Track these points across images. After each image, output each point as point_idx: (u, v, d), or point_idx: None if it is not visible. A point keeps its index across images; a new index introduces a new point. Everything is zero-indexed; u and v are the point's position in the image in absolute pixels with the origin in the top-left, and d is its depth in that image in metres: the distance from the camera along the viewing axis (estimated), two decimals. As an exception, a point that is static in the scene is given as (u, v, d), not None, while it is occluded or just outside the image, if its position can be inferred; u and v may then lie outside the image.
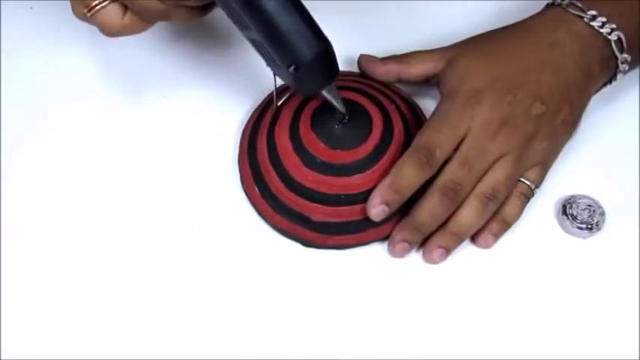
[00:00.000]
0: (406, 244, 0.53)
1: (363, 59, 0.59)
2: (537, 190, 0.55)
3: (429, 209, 0.52)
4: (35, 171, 0.57)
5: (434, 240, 0.53)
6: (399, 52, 0.59)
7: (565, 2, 0.56)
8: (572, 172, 0.57)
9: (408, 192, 0.52)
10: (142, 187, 0.56)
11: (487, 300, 0.52)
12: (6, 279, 0.53)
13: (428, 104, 0.59)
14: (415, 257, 0.54)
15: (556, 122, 0.54)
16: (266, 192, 0.54)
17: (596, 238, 0.54)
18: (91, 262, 0.53)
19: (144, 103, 0.60)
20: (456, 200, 0.52)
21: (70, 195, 0.56)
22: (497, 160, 0.53)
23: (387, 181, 0.52)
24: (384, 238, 0.54)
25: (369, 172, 0.53)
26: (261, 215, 0.55)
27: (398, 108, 0.56)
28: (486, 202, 0.52)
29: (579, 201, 0.55)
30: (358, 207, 0.53)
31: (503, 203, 0.54)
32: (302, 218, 0.53)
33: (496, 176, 0.52)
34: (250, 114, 0.59)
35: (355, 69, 0.60)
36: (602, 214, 0.54)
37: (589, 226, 0.54)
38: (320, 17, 0.61)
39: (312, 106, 0.55)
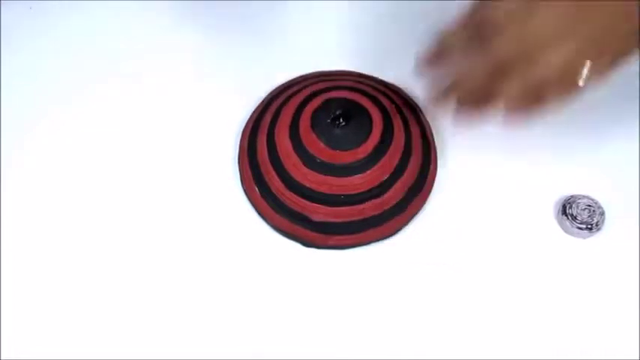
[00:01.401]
0: (465, 107, 0.51)
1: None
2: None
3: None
4: (35, 170, 0.57)
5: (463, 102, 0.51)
6: (398, 51, 0.59)
7: None
8: (572, 172, 0.57)
9: (448, 46, 0.50)
10: (142, 187, 0.56)
11: (487, 300, 0.52)
12: (6, 279, 0.53)
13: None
14: (415, 257, 0.54)
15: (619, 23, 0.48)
16: (266, 192, 0.54)
17: (596, 238, 0.54)
18: (91, 262, 0.53)
19: (144, 102, 0.60)
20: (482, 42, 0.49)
21: (70, 194, 0.56)
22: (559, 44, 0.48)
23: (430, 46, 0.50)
24: (384, 237, 0.54)
25: (369, 172, 0.53)
26: (262, 215, 0.55)
27: (398, 108, 0.56)
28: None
29: (579, 201, 0.55)
30: (358, 207, 0.53)
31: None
32: (302, 218, 0.53)
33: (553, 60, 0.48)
34: (250, 114, 0.59)
35: (354, 69, 0.60)
36: (602, 214, 0.54)
37: (589, 226, 0.54)
38: (321, 18, 0.61)
39: (312, 106, 0.55)
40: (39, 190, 0.56)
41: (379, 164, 0.53)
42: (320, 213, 0.53)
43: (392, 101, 0.56)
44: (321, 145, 0.53)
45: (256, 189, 0.55)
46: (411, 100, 0.59)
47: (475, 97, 0.51)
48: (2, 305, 0.52)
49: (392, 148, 0.54)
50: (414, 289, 0.53)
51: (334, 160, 0.53)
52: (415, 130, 0.56)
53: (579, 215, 0.54)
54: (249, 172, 0.55)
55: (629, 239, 0.54)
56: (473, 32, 0.49)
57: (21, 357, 0.50)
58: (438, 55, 0.51)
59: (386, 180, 0.53)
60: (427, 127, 0.57)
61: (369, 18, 0.64)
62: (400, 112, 0.56)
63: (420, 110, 0.59)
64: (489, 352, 0.51)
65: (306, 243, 0.54)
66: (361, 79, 0.59)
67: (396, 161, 0.54)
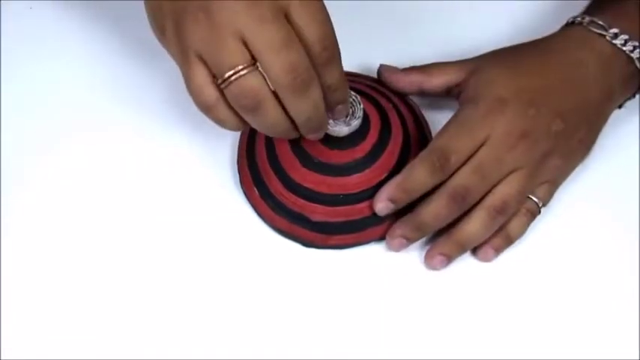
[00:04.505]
0: (404, 240, 0.53)
1: (384, 70, 0.58)
2: (544, 209, 0.54)
3: (435, 211, 0.52)
4: (35, 171, 0.57)
5: (436, 246, 0.53)
6: (399, 51, 0.59)
7: (586, 20, 0.55)
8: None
9: (416, 194, 0.52)
10: (141, 189, 0.56)
11: (486, 300, 0.52)
12: (6, 279, 0.53)
13: (426, 103, 0.59)
14: (415, 257, 0.54)
15: (572, 141, 0.53)
16: (265, 193, 0.54)
17: (596, 238, 0.54)
18: (91, 263, 0.53)
19: (143, 102, 0.60)
20: (463, 206, 0.52)
21: (70, 195, 0.56)
22: (510, 172, 0.52)
23: (397, 179, 0.52)
24: (384, 237, 0.54)
25: (367, 171, 0.53)
26: (261, 216, 0.55)
27: (395, 107, 0.56)
28: (495, 216, 0.52)
29: None
30: (357, 206, 0.53)
31: (508, 219, 0.53)
32: (301, 218, 0.53)
33: (508, 190, 0.52)
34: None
35: (353, 69, 0.60)
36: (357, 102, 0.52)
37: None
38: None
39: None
40: (39, 189, 0.56)
41: (377, 163, 0.53)
42: (319, 213, 0.53)
43: (389, 100, 0.56)
44: (320, 144, 0.53)
45: (255, 190, 0.55)
46: (408, 98, 0.59)
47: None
48: (2, 305, 0.52)
49: (390, 146, 0.54)
50: (414, 288, 0.53)
51: (332, 160, 0.53)
52: (413, 129, 0.56)
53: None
54: (248, 174, 0.55)
55: (629, 239, 0.54)
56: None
57: (21, 357, 0.50)
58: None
59: (385, 179, 0.53)
60: (425, 126, 0.57)
61: (368, 17, 0.64)
62: (397, 111, 0.56)
63: (419, 109, 0.58)
64: (489, 351, 0.51)
65: (306, 243, 0.54)
66: (358, 79, 0.59)
67: (394, 160, 0.54)
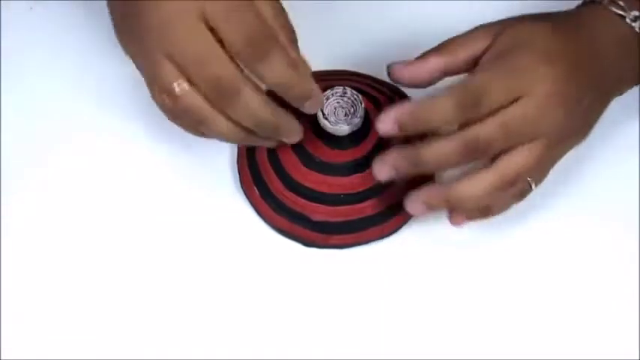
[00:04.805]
0: (394, 170, 0.48)
1: (395, 69, 0.51)
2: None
3: (441, 151, 0.47)
4: (35, 172, 0.57)
5: (423, 194, 0.49)
6: (399, 50, 0.59)
7: (605, 1, 0.51)
8: (571, 172, 0.57)
9: (430, 125, 0.46)
10: (141, 189, 0.56)
11: (486, 300, 0.52)
12: (6, 279, 0.53)
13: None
14: (415, 257, 0.54)
15: (586, 121, 0.51)
16: (266, 192, 0.54)
17: (596, 238, 0.54)
18: (91, 263, 0.53)
19: (143, 103, 0.60)
20: (473, 159, 0.47)
21: (70, 195, 0.56)
22: (534, 139, 0.47)
23: (410, 106, 0.46)
24: (385, 236, 0.54)
25: (368, 171, 0.53)
26: (261, 216, 0.55)
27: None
28: (502, 187, 0.47)
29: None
30: (358, 206, 0.53)
31: None
32: (302, 218, 0.53)
33: (525, 160, 0.47)
34: (250, 114, 0.59)
35: (352, 68, 0.60)
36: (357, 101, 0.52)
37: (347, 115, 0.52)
38: (321, 16, 0.61)
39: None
40: (39, 190, 0.56)
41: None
42: (320, 212, 0.53)
43: (390, 100, 0.56)
44: (321, 144, 0.53)
45: (255, 189, 0.55)
46: (409, 98, 0.59)
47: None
48: (2, 305, 0.52)
49: (391, 146, 0.54)
50: (415, 288, 0.53)
51: (333, 160, 0.53)
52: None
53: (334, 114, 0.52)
54: (249, 173, 0.55)
55: (629, 239, 0.54)
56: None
57: (21, 357, 0.50)
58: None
59: (386, 178, 0.53)
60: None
61: (367, 18, 0.64)
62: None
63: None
64: (489, 351, 0.51)
65: (306, 243, 0.54)
66: (359, 78, 0.59)
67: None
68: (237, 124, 0.46)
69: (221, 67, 0.44)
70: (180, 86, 0.45)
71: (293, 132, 0.50)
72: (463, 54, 0.50)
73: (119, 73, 0.61)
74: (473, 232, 0.54)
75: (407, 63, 0.51)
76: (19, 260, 0.53)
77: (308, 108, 0.49)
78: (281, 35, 0.46)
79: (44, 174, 0.57)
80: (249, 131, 0.47)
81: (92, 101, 0.60)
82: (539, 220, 0.55)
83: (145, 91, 0.58)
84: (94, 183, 0.57)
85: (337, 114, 0.52)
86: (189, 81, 0.45)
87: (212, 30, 0.44)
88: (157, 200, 0.56)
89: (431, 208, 0.49)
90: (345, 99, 0.52)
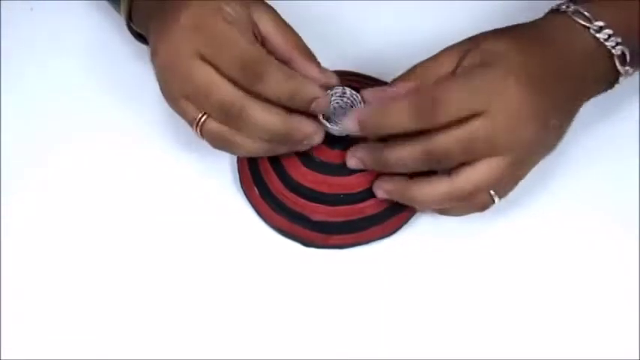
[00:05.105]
0: (361, 164, 0.51)
1: (368, 96, 0.52)
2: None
3: (402, 155, 0.49)
4: (35, 172, 0.57)
5: (386, 181, 0.51)
6: (399, 50, 0.59)
7: (571, 10, 0.51)
8: (570, 171, 0.57)
9: (385, 130, 0.48)
10: (141, 189, 0.56)
11: (486, 300, 0.52)
12: (6, 279, 0.53)
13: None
14: (415, 257, 0.54)
15: (552, 137, 0.51)
16: (265, 192, 0.54)
17: (597, 238, 0.54)
18: (91, 263, 0.53)
19: (143, 103, 0.60)
20: (431, 167, 0.49)
21: (70, 195, 0.56)
22: (494, 155, 0.48)
23: (376, 107, 0.49)
24: (384, 236, 0.54)
25: (368, 171, 0.53)
26: (261, 216, 0.55)
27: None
28: (459, 199, 0.49)
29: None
30: (358, 206, 0.53)
31: None
32: (302, 218, 0.53)
33: (485, 176, 0.48)
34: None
35: (352, 68, 0.60)
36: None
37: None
38: (321, 17, 0.61)
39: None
40: (39, 190, 0.56)
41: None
42: (319, 212, 0.53)
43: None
44: (320, 144, 0.53)
45: (255, 189, 0.55)
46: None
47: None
48: (2, 305, 0.52)
49: None
50: (415, 287, 0.53)
51: (333, 160, 0.53)
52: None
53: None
54: (249, 173, 0.55)
55: (629, 239, 0.54)
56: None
57: (21, 357, 0.50)
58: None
59: (385, 179, 0.53)
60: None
61: (367, 18, 0.64)
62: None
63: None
64: (489, 351, 0.51)
65: (306, 243, 0.54)
66: (359, 79, 0.59)
67: None
68: (255, 139, 0.50)
69: (221, 92, 0.48)
70: (200, 118, 0.49)
71: (310, 134, 0.51)
72: (431, 78, 0.50)
73: (119, 73, 0.61)
74: (473, 232, 0.54)
75: (376, 92, 0.52)
76: (19, 260, 0.54)
77: (315, 109, 0.50)
78: (286, 42, 0.50)
79: (44, 174, 0.57)
80: (270, 143, 0.50)
81: (92, 101, 0.60)
82: (539, 220, 0.55)
83: (145, 91, 0.59)
84: (93, 183, 0.57)
85: (337, 114, 0.52)
86: (205, 112, 0.49)
87: (210, 63, 0.48)
88: (157, 200, 0.56)
89: (391, 197, 0.52)
90: (345, 99, 0.52)
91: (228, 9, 0.48)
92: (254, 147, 0.50)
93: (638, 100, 0.59)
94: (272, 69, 0.48)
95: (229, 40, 0.48)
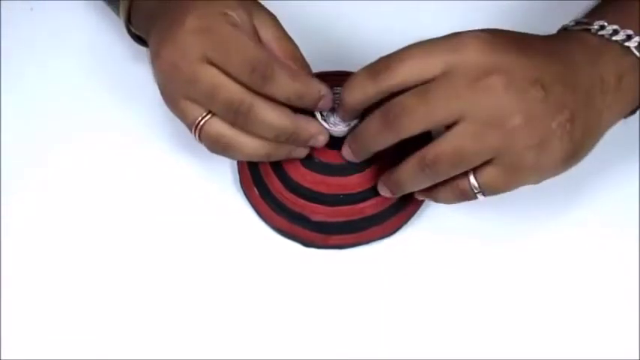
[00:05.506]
0: (351, 153, 0.51)
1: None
2: (483, 198, 0.48)
3: (367, 126, 0.49)
4: (35, 172, 0.57)
5: (383, 176, 0.52)
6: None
7: (571, 24, 0.50)
8: (570, 171, 0.56)
9: (370, 149, 0.50)
10: (141, 189, 0.56)
11: (487, 300, 0.52)
12: (6, 279, 0.53)
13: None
14: (415, 257, 0.54)
15: (551, 119, 0.45)
16: (265, 193, 0.54)
17: (597, 238, 0.54)
18: (91, 263, 0.54)
19: (143, 103, 0.60)
20: (395, 128, 0.47)
21: (70, 195, 0.56)
22: (458, 119, 0.45)
23: (349, 137, 0.51)
24: (384, 236, 0.54)
25: (367, 171, 0.53)
26: (261, 216, 0.55)
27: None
28: (423, 168, 0.47)
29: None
30: (357, 206, 0.53)
31: (442, 183, 0.48)
32: (301, 218, 0.53)
33: (444, 145, 0.46)
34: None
35: (352, 68, 0.60)
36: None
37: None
38: (321, 17, 0.61)
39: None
40: (39, 190, 0.56)
41: (378, 163, 0.53)
42: (319, 213, 0.53)
43: (388, 100, 0.56)
44: None
45: (255, 190, 0.55)
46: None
47: None
48: (2, 305, 0.52)
49: (390, 146, 0.54)
50: (415, 287, 0.53)
51: (333, 160, 0.53)
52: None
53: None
54: (248, 173, 0.55)
55: (629, 239, 0.54)
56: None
57: (21, 357, 0.50)
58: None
59: (385, 179, 0.53)
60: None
61: (366, 18, 0.64)
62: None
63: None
64: (489, 351, 0.51)
65: (306, 243, 0.54)
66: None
67: (394, 159, 0.53)
68: (260, 138, 0.50)
69: (230, 91, 0.48)
70: (201, 120, 0.50)
71: (315, 134, 0.51)
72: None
73: (119, 73, 0.61)
74: (473, 232, 0.54)
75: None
76: (19, 260, 0.54)
77: (322, 107, 0.51)
78: (283, 51, 0.50)
79: (44, 174, 0.57)
80: (273, 143, 0.51)
81: (92, 101, 0.60)
82: (539, 220, 0.55)
83: (145, 91, 0.59)
84: (93, 183, 0.57)
85: (336, 114, 0.52)
86: (210, 112, 0.49)
87: (215, 65, 0.48)
88: (157, 200, 0.56)
89: (385, 187, 0.52)
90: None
91: (232, 14, 0.49)
92: (254, 148, 0.50)
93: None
94: (279, 69, 0.49)
95: (237, 44, 0.48)
